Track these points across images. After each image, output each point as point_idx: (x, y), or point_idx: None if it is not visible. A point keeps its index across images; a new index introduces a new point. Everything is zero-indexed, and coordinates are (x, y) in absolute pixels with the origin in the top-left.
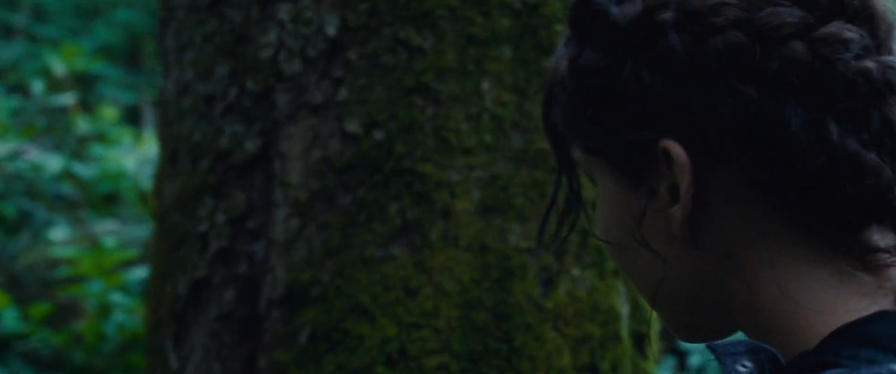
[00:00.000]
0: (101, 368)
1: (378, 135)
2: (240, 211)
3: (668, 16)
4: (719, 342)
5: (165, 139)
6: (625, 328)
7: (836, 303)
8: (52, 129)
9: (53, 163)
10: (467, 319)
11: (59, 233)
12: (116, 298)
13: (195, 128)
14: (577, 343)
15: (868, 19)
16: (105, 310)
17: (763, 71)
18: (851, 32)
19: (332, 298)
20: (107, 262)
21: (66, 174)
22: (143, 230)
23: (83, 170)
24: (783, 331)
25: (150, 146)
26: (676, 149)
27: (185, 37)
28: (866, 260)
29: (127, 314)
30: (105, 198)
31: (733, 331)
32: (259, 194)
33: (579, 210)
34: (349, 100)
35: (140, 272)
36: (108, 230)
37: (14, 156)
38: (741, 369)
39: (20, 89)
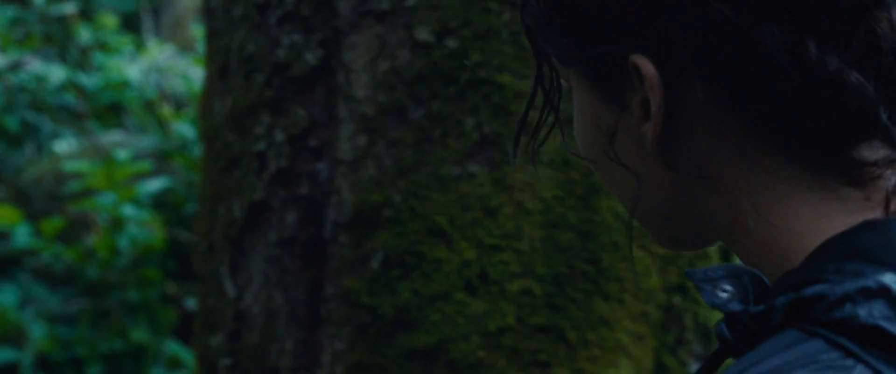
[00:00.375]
0: (115, 283)
1: (451, 43)
2: (300, 128)
3: None
4: (699, 269)
5: (213, 52)
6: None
7: (820, 221)
8: (54, 39)
9: (56, 74)
10: (551, 239)
11: (64, 145)
12: (128, 211)
13: (248, 39)
14: (666, 262)
15: None
16: (117, 224)
17: None
18: None
19: (406, 220)
20: (119, 175)
21: (71, 85)
22: (149, 141)
23: (87, 80)
24: (766, 252)
25: (151, 54)
26: (646, 65)
27: None
28: (853, 175)
29: (140, 227)
30: (109, 108)
31: (717, 241)
32: (321, 110)
33: (555, 118)
34: (419, 5)
35: (153, 184)
36: (115, 141)
37: (15, 67)
38: (722, 294)
39: None
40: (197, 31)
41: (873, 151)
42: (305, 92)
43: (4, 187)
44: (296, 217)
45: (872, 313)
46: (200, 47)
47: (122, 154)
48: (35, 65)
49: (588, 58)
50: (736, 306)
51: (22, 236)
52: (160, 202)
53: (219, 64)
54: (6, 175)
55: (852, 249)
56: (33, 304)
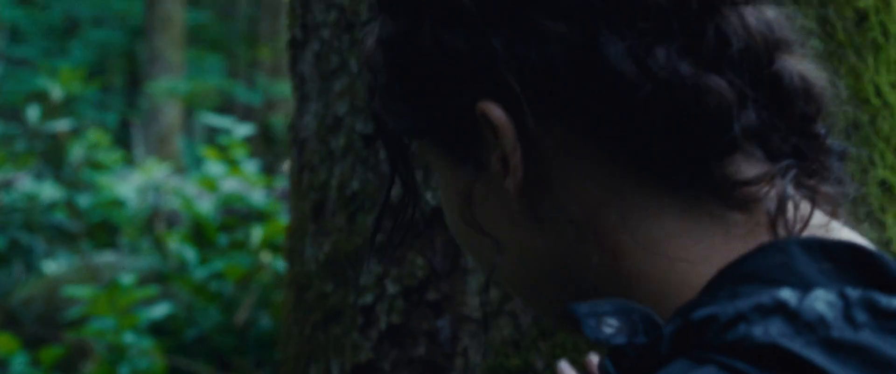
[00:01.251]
0: None
1: None
2: (417, 279)
3: None
4: (583, 303)
5: (304, 188)
6: None
7: (710, 252)
8: (48, 157)
9: (48, 192)
10: None
11: (53, 265)
12: (129, 338)
13: (352, 174)
14: None
15: None
16: (118, 352)
17: (569, 1)
18: None
19: None
20: (122, 301)
21: (64, 204)
22: (144, 261)
23: (80, 199)
24: (657, 292)
25: (148, 172)
26: (493, 110)
27: (332, 61)
28: (733, 198)
29: (141, 355)
30: (100, 227)
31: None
32: (442, 258)
33: (415, 205)
34: None
35: (157, 311)
36: (107, 262)
37: (5, 185)
38: (606, 328)
39: (3, 113)
40: (181, 146)
41: (751, 167)
42: (424, 236)
43: None
44: None
45: (769, 330)
46: (187, 162)
47: (125, 278)
48: (25, 183)
49: (436, 121)
50: (620, 340)
51: (19, 365)
52: (158, 328)
53: (312, 202)
54: None
55: (746, 273)
56: None
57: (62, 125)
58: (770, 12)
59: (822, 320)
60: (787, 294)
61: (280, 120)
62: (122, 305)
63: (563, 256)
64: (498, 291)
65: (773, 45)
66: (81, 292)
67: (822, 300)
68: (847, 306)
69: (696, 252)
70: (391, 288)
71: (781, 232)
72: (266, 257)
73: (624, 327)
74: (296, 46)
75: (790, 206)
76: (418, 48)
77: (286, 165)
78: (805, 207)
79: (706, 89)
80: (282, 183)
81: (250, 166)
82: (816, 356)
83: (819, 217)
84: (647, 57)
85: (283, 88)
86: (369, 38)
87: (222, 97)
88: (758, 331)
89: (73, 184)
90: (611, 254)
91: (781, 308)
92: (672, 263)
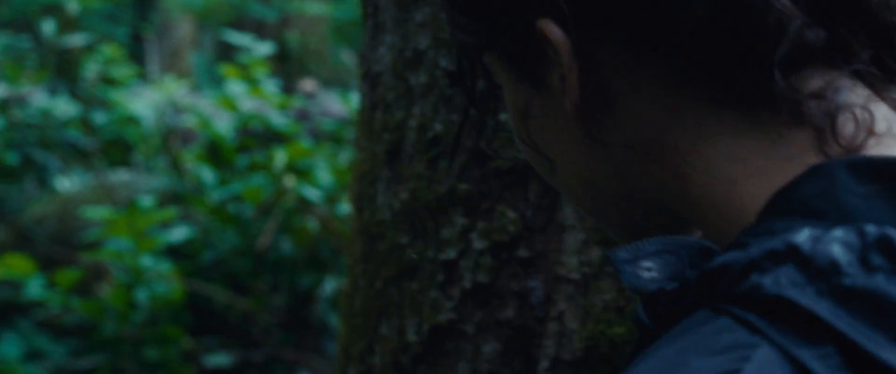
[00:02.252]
0: (134, 339)
1: None
2: (508, 234)
3: None
4: (622, 247)
5: (378, 127)
6: None
7: (769, 172)
8: (63, 71)
9: (63, 108)
10: None
11: (66, 183)
12: (147, 261)
13: (435, 115)
14: None
15: None
16: (136, 275)
17: None
18: None
19: None
20: (141, 223)
21: (80, 121)
22: (157, 181)
23: (96, 116)
24: (723, 219)
25: (167, 90)
26: (552, 28)
27: None
28: (795, 113)
29: (159, 279)
30: (113, 144)
31: (684, 226)
32: (536, 212)
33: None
34: None
35: (176, 234)
36: (122, 181)
37: (20, 100)
38: (644, 273)
39: (12, 25)
40: (193, 62)
41: (814, 82)
42: (515, 188)
43: (4, 228)
44: (496, 348)
45: (778, 281)
46: (200, 78)
47: (144, 200)
48: (39, 98)
49: (498, 34)
50: (652, 286)
51: (35, 287)
52: (173, 250)
53: (387, 144)
54: (6, 214)
55: (791, 202)
56: (39, 358)
57: (77, 40)
58: None
59: (834, 265)
60: (803, 237)
61: (296, 37)
62: (140, 227)
63: (624, 176)
64: (599, 250)
65: None
66: (99, 213)
67: (837, 242)
68: (864, 246)
69: (756, 172)
70: (477, 243)
71: (832, 149)
72: (289, 181)
73: (661, 270)
74: None
75: (849, 119)
76: None
77: (306, 85)
78: (880, 119)
79: (766, 5)
80: (299, 103)
81: (270, 86)
82: (823, 309)
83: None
84: None
85: (299, 4)
86: None
87: (235, 12)
88: (768, 281)
89: (87, 100)
90: (672, 175)
91: (794, 254)
92: (732, 185)
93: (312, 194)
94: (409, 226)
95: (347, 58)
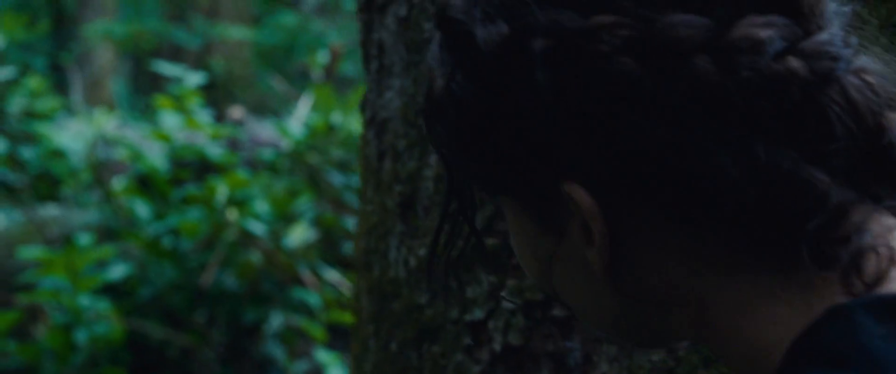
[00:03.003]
0: None
1: None
2: (541, 292)
3: (537, 45)
4: None
5: (387, 178)
6: None
7: (788, 314)
8: None
9: None
10: None
11: None
12: (84, 301)
13: None
14: None
15: None
16: (74, 316)
17: (664, 98)
18: (766, 29)
19: None
20: (79, 262)
21: (8, 158)
22: (88, 215)
23: (24, 151)
24: (746, 356)
25: (97, 124)
26: (581, 195)
27: (424, 29)
28: (822, 263)
29: (98, 319)
30: (41, 179)
31: (683, 341)
32: None
33: (473, 235)
34: None
35: (115, 272)
36: (52, 216)
37: None
38: None
39: None
40: (115, 90)
41: (842, 228)
42: None
43: None
44: None
45: None
46: (122, 105)
47: (82, 238)
48: None
49: (513, 185)
50: None
51: None
52: (110, 287)
53: (399, 196)
54: None
55: (817, 350)
56: None
57: (2, 74)
58: (873, 66)
59: None
60: None
61: (220, 64)
62: (77, 266)
63: (644, 319)
64: None
65: (878, 112)
66: (34, 253)
67: None
68: None
69: (781, 319)
70: (508, 302)
71: (856, 288)
72: (231, 214)
73: None
74: (372, 9)
75: (872, 256)
76: (498, 118)
77: (235, 112)
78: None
79: (806, 184)
80: (229, 132)
81: (204, 116)
82: None
83: None
84: (746, 154)
85: (222, 29)
86: (439, 79)
87: (155, 39)
88: None
89: (13, 135)
90: (695, 322)
91: None
92: (756, 330)
93: (256, 227)
94: (424, 284)
95: (277, 83)
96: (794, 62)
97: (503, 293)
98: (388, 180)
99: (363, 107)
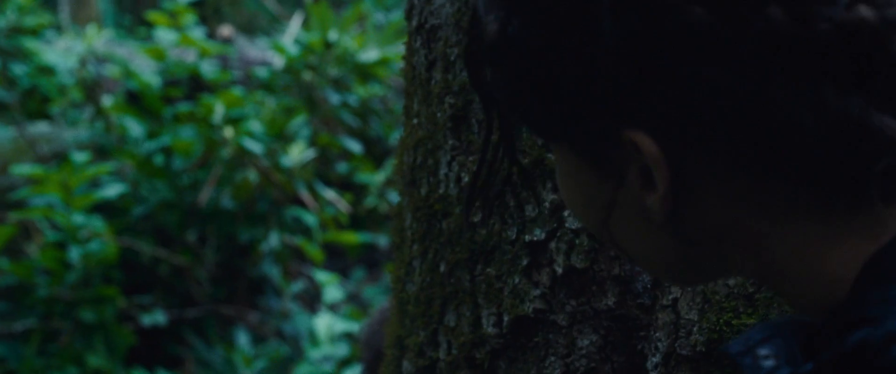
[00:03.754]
0: (68, 300)
1: None
2: None
3: None
4: (732, 341)
5: (437, 89)
6: None
7: (854, 244)
8: None
9: None
10: None
11: None
12: (78, 219)
13: None
14: None
15: None
16: (69, 234)
17: (736, 48)
18: None
19: None
20: (74, 180)
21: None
22: (79, 133)
23: (14, 68)
24: (803, 289)
25: (89, 40)
26: (646, 142)
27: None
28: (886, 197)
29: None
30: (29, 96)
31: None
32: None
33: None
34: None
35: (110, 190)
36: (42, 134)
37: None
38: (764, 362)
39: None
40: (101, 7)
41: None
42: None
43: None
44: (594, 341)
45: None
46: (108, 23)
47: (78, 156)
48: None
49: (571, 132)
50: (784, 372)
51: None
52: (101, 206)
53: (451, 109)
54: None
55: (889, 269)
56: None
57: None
58: None
59: None
60: None
61: None
62: (71, 184)
63: (700, 258)
64: None
65: None
66: (28, 170)
67: None
68: None
69: (847, 248)
70: (572, 222)
71: None
72: (228, 132)
73: (778, 355)
74: None
75: None
76: (560, 65)
77: (224, 30)
78: None
79: (875, 130)
80: (221, 49)
81: (197, 33)
82: None
83: None
84: (815, 101)
85: None
86: (491, 23)
87: None
88: None
89: (3, 51)
90: (754, 258)
91: None
92: (820, 260)
93: (252, 145)
94: (483, 202)
95: (267, 1)
96: (865, 10)
97: (567, 212)
98: (438, 92)
99: (408, 14)
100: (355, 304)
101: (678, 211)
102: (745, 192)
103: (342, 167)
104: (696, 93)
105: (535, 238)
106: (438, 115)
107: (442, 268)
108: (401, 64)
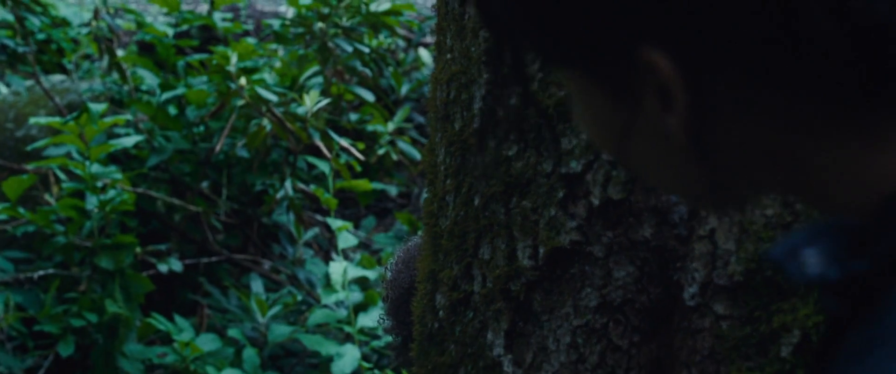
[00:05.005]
0: (86, 248)
1: None
2: None
3: None
4: (774, 246)
5: (470, 23)
6: None
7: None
8: None
9: None
10: None
11: (2, 89)
12: (95, 168)
13: None
14: None
15: None
16: (85, 184)
17: None
18: None
19: None
20: (91, 130)
21: (16, 25)
22: (93, 85)
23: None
24: (848, 192)
25: None
26: (662, 61)
27: None
28: None
29: (109, 186)
30: (44, 48)
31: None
32: None
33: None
34: None
35: (127, 140)
36: (57, 86)
37: None
38: (812, 268)
39: None
40: None
41: None
42: None
43: None
44: (632, 273)
45: None
46: None
47: (95, 106)
48: None
49: (584, 55)
50: (833, 273)
51: None
52: (115, 155)
53: (485, 42)
54: None
55: None
56: None
57: None
58: None
59: None
60: None
61: None
62: (89, 134)
63: (729, 181)
64: None
65: None
66: (47, 120)
67: None
68: None
69: (884, 157)
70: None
71: None
72: (242, 81)
73: (824, 256)
74: None
75: None
76: None
77: None
78: None
79: None
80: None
81: None
82: None
83: None
84: (837, 4)
85: None
86: None
87: None
88: None
89: (18, 3)
90: (787, 177)
91: None
92: (860, 173)
93: (268, 93)
94: (519, 135)
95: None
96: None
97: None
98: (473, 27)
99: None
100: (367, 251)
101: (701, 132)
102: (771, 107)
103: (352, 118)
104: (712, 3)
105: (571, 170)
106: (472, 49)
107: (476, 201)
108: (410, 14)
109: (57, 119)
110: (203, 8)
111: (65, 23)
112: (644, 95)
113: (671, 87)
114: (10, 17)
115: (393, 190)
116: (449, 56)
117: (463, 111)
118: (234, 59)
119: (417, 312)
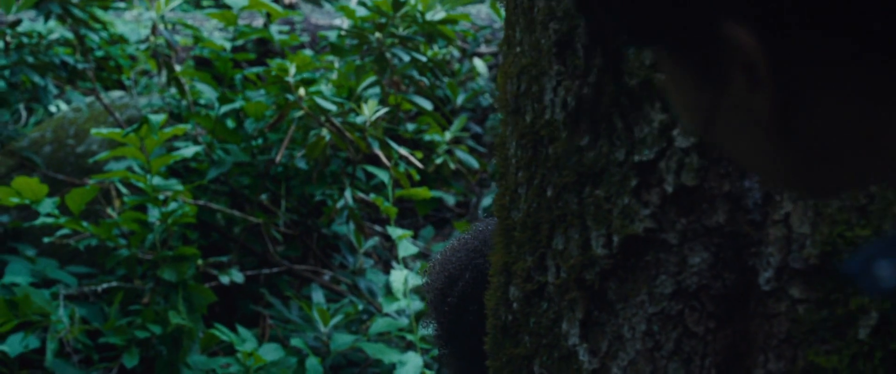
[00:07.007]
0: (148, 260)
1: None
2: None
3: None
4: (847, 261)
5: (541, 16)
6: None
7: None
8: None
9: (57, 31)
10: None
11: (63, 106)
12: (156, 181)
13: None
14: None
15: None
16: (146, 196)
17: None
18: None
19: None
20: (151, 143)
21: (76, 43)
22: (152, 100)
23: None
24: None
25: (159, 8)
26: (743, 35)
27: None
28: None
29: (171, 199)
30: (103, 65)
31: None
32: None
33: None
34: None
35: (187, 151)
36: (117, 102)
37: (14, 24)
38: (885, 282)
39: None
40: None
41: None
42: None
43: (2, 154)
44: (706, 259)
45: None
46: None
47: (155, 117)
48: (28, 22)
49: (673, 33)
50: None
51: (49, 207)
52: (175, 168)
53: (555, 34)
54: (2, 140)
55: None
56: (47, 285)
57: None
58: None
59: None
60: None
61: None
62: (149, 146)
63: (819, 162)
64: None
65: None
66: (108, 133)
67: None
68: None
69: None
70: (681, 140)
71: None
72: (301, 92)
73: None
74: None
75: None
76: None
77: None
78: None
79: None
80: (289, 15)
81: None
82: None
83: None
84: None
85: None
86: None
87: None
88: None
89: (77, 20)
90: (879, 157)
91: None
92: None
93: (326, 103)
94: (588, 125)
95: None
96: None
97: (676, 131)
98: (542, 19)
99: None
100: (426, 262)
101: (788, 110)
102: (859, 83)
103: (410, 126)
104: None
105: (644, 158)
106: (542, 41)
107: (549, 192)
108: (465, 24)
109: (117, 130)
110: (259, 22)
111: (122, 40)
112: (731, 74)
113: (757, 64)
114: (69, 35)
115: (450, 199)
116: (518, 49)
117: (534, 103)
118: (292, 70)
119: (490, 305)
